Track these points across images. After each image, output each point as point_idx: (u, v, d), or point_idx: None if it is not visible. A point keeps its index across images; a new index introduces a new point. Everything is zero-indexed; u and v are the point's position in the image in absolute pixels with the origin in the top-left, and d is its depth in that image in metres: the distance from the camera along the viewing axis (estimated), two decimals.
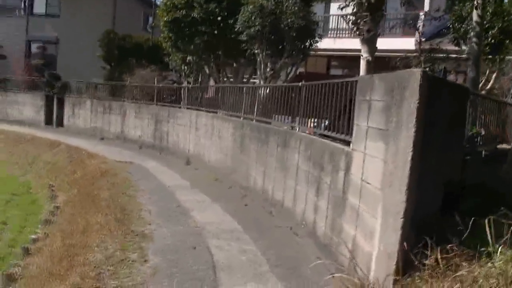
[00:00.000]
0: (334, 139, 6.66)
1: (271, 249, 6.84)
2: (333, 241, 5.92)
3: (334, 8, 24.87)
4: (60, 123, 24.98)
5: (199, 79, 18.25)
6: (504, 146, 8.71)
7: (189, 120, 15.49)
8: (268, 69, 12.72)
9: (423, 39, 23.07)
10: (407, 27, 24.07)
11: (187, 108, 16.16)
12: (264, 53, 12.50)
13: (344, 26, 24.83)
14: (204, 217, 8.62)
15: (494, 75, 12.11)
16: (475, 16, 7.49)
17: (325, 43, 17.38)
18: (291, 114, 8.87)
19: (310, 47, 13.15)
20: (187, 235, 7.43)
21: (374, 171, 4.72)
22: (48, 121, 25.40)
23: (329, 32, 24.35)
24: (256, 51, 12.64)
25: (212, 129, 13.31)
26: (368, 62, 7.77)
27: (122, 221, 8.20)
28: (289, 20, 11.94)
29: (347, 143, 6.08)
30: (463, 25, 10.21)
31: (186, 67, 17.26)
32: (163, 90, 18.96)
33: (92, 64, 26.19)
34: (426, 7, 24.01)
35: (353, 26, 7.77)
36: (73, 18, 29.33)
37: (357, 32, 7.74)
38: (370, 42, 7.82)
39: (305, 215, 7.32)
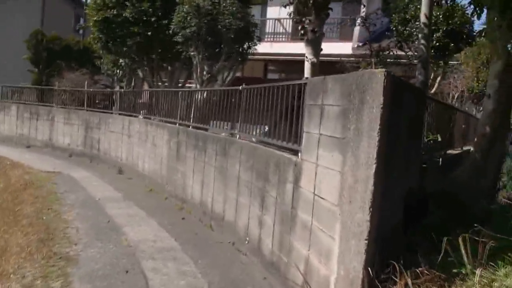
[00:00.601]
0: (279, 147, 6.10)
1: (213, 269, 6.20)
2: (282, 260, 5.35)
3: (271, 12, 24.61)
4: None
5: (132, 84, 17.35)
6: (451, 151, 8.50)
7: (122, 126, 14.59)
8: (204, 73, 12.06)
9: (359, 44, 23.20)
10: (345, 31, 24.23)
11: (119, 114, 15.23)
12: (200, 56, 11.83)
13: (281, 30, 24.67)
14: (138, 233, 7.86)
15: (438, 79, 11.98)
16: (422, 17, 7.15)
17: (262, 47, 16.95)
18: (231, 120, 8.27)
19: (249, 50, 12.58)
20: (118, 256, 6.65)
21: (329, 185, 4.19)
22: None
23: (266, 36, 24.02)
24: (192, 54, 11.96)
25: (146, 136, 12.51)
26: (313, 64, 7.29)
27: (45, 241, 7.29)
28: (226, 21, 11.32)
29: (295, 152, 5.55)
30: (406, 28, 9.96)
31: (118, 71, 16.30)
32: (93, 94, 17.88)
33: (20, 67, 24.64)
34: (362, 12, 24.10)
35: (296, 25, 7.25)
36: None
37: (301, 32, 7.25)
38: (315, 43, 7.35)
39: (249, 230, 6.72)
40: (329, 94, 4.33)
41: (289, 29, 25.26)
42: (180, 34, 11.56)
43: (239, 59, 12.55)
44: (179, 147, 10.22)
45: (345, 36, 23.98)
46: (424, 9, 7.33)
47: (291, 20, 24.92)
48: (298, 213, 4.95)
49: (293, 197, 5.13)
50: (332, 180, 4.13)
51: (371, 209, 3.53)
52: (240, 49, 12.25)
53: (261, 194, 6.28)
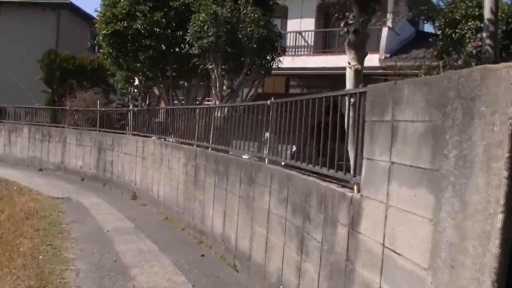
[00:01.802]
0: (321, 175, 4.83)
1: None
2: None
3: (291, 24, 23.48)
4: None
5: (147, 102, 16.26)
6: None
7: (135, 148, 13.45)
8: (224, 88, 10.85)
9: (387, 56, 21.92)
10: (369, 41, 22.95)
11: (133, 135, 14.11)
12: (219, 69, 10.64)
13: (303, 44, 23.51)
14: (149, 277, 6.62)
15: None
16: (487, 13, 5.88)
17: (284, 62, 15.86)
18: (256, 140, 7.02)
19: (272, 62, 11.34)
20: None
21: (411, 237, 2.90)
22: None
23: (287, 50, 22.95)
24: (210, 67, 10.77)
25: (161, 159, 11.32)
26: (357, 71, 6.03)
27: None
28: (248, 30, 10.12)
29: (345, 183, 4.28)
30: (456, 30, 8.67)
31: (131, 88, 15.22)
32: (106, 114, 16.81)
33: (34, 88, 23.80)
34: (389, 22, 22.87)
35: (337, 22, 6.01)
36: (13, 39, 26.81)
37: (345, 30, 6.00)
38: (358, 46, 6.10)
39: (283, 277, 5.42)
40: (406, 105, 3.06)
41: (311, 42, 24.13)
42: (196, 45, 10.38)
43: (262, 72, 11.32)
44: (197, 172, 9.00)
45: (369, 47, 22.73)
46: (488, 3, 6.06)
47: (312, 33, 23.96)
48: (356, 268, 3.66)
49: (348, 245, 3.83)
50: (416, 231, 2.84)
51: (496, 285, 2.23)
52: (263, 61, 11.01)
53: (300, 234, 4.99)
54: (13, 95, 24.13)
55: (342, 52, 23.29)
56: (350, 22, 5.79)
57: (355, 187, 3.96)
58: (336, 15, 5.97)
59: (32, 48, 25.17)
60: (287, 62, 18.54)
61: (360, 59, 6.15)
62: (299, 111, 5.40)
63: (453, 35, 8.81)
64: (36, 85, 23.60)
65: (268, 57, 11.07)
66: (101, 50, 13.51)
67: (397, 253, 3.06)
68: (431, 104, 2.78)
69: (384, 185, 3.29)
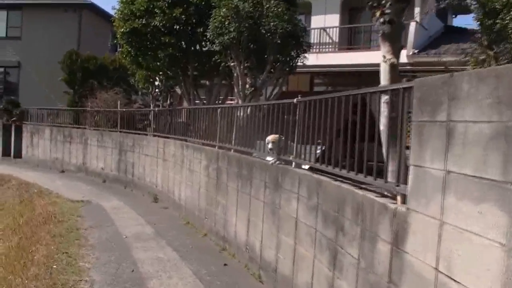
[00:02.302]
0: (356, 182, 4.32)
1: None
2: None
3: (315, 21, 22.86)
4: (18, 155, 22.48)
5: (168, 102, 15.87)
6: None
7: (156, 149, 13.07)
8: (247, 86, 10.35)
9: (415, 51, 21.19)
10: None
11: (154, 136, 13.73)
12: (241, 67, 10.14)
13: (327, 40, 22.91)
14: None
15: None
16: None
17: (308, 59, 15.33)
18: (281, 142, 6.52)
19: (297, 59, 10.78)
20: None
21: (474, 263, 2.38)
22: (6, 153, 22.87)
23: (311, 47, 22.40)
24: (232, 64, 10.27)
25: (182, 160, 10.89)
26: (392, 66, 5.47)
27: None
28: (271, 24, 9.59)
29: (387, 192, 3.77)
30: (496, 21, 8.01)
31: (152, 88, 14.83)
32: (127, 115, 16.47)
33: (57, 89, 23.72)
34: (417, 16, 22.13)
35: (371, 11, 5.46)
36: (36, 40, 26.77)
37: (381, 20, 5.46)
38: (393, 38, 5.54)
39: None
40: (466, 102, 2.53)
41: (336, 38, 23.53)
42: (217, 41, 9.90)
43: (286, 69, 10.78)
44: (219, 175, 8.53)
45: None
46: None
47: (337, 29, 23.34)
48: None
49: (390, 265, 3.31)
50: (483, 257, 2.31)
51: None
52: (287, 58, 10.47)
53: (332, 248, 4.48)
54: (36, 97, 24.19)
55: (368, 48, 22.74)
56: (387, 11, 5.23)
57: (399, 198, 3.44)
58: (370, 3, 5.39)
59: (54, 50, 25.08)
60: (311, 59, 17.98)
61: (396, 52, 5.59)
62: (330, 109, 4.89)
63: (494, 26, 8.16)
64: (59, 87, 23.50)
65: (292, 53, 10.52)
66: (120, 49, 13.10)
67: (455, 281, 2.54)
68: (501, 101, 2.25)
69: (438, 197, 2.76)
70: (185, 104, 16.24)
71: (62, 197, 13.24)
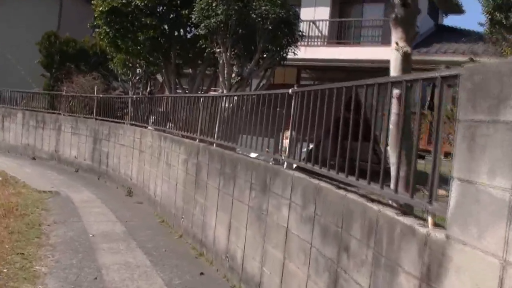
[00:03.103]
0: (361, 193, 3.54)
1: None
2: None
3: (304, 13, 22.03)
4: None
5: (148, 89, 14.95)
6: None
7: (133, 139, 12.17)
8: (233, 75, 9.50)
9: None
10: (388, 34, 21.47)
11: (131, 125, 12.81)
12: (228, 53, 9.28)
13: (316, 34, 22.15)
14: None
15: None
16: None
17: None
18: (273, 137, 5.71)
19: (289, 48, 9.94)
20: None
21: None
22: None
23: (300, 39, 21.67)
24: (217, 50, 9.41)
25: (159, 153, 10.03)
26: (405, 55, 4.70)
27: None
28: (263, 9, 8.76)
29: (407, 208, 3.00)
30: (509, 14, 7.29)
31: (132, 74, 13.87)
32: (104, 101, 15.47)
33: (34, 71, 22.64)
34: None
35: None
36: (14, 22, 25.54)
37: (395, 0, 4.67)
38: (407, 23, 4.77)
39: None
40: None
41: (325, 32, 22.81)
42: (203, 25, 9.03)
43: (277, 59, 9.94)
44: (199, 171, 7.70)
45: (388, 40, 21.33)
46: None
47: (327, 22, 22.58)
48: None
49: None
50: None
51: None
52: (278, 47, 9.63)
53: (332, 270, 3.69)
54: (13, 79, 23.06)
55: (357, 44, 22.02)
56: None
57: (430, 219, 2.65)
58: None
59: (33, 31, 23.85)
60: (299, 52, 17.34)
61: (409, 39, 4.82)
62: (335, 102, 4.09)
63: (504, 20, 7.44)
64: (36, 70, 22.44)
65: (283, 42, 9.69)
66: (97, 30, 12.10)
67: None
68: None
69: (499, 227, 1.98)
70: (166, 93, 15.36)
71: (28, 187, 12.24)
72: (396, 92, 4.79)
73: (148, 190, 10.73)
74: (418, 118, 3.41)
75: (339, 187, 3.93)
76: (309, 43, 22.24)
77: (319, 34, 22.32)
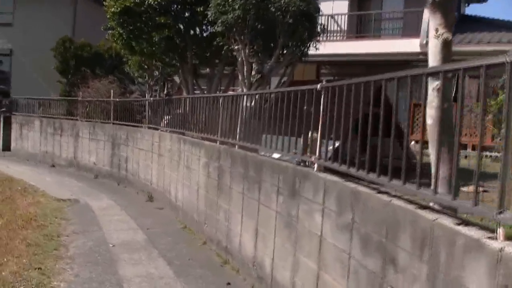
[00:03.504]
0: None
1: None
2: None
3: (323, 7, 21.63)
4: (7, 147, 21.19)
5: (166, 91, 14.64)
6: None
7: (151, 143, 11.87)
8: (253, 73, 9.10)
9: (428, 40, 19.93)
10: (409, 26, 20.98)
11: (149, 128, 12.52)
12: (247, 50, 8.88)
13: (335, 28, 21.68)
14: None
15: None
16: None
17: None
18: (300, 136, 5.30)
19: (310, 43, 9.49)
20: None
21: None
22: None
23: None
24: (236, 47, 9.02)
25: (179, 156, 9.69)
26: (445, 42, 4.27)
27: None
28: (282, 1, 8.34)
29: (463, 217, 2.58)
30: None
31: (148, 77, 13.54)
32: (121, 105, 15.20)
33: (50, 77, 22.62)
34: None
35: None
36: (28, 27, 25.47)
37: None
38: (447, 7, 4.33)
39: None
40: None
41: (344, 26, 22.33)
42: (219, 21, 8.65)
43: (298, 54, 9.51)
44: (221, 175, 7.32)
45: (409, 32, 20.79)
46: None
47: (345, 16, 22.09)
48: None
49: None
50: None
51: None
52: (299, 42, 9.20)
53: (377, 284, 3.28)
54: (29, 86, 23.02)
55: (378, 37, 21.44)
56: None
57: (501, 232, 2.23)
58: None
59: (48, 37, 23.78)
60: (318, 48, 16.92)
61: (449, 25, 4.38)
62: (363, 97, 3.69)
63: None
64: (52, 76, 22.38)
65: (304, 37, 9.27)
66: (110, 31, 11.78)
67: None
68: None
69: None
70: (184, 94, 15.04)
71: (47, 196, 11.99)
72: (436, 83, 4.37)
73: (169, 195, 10.40)
74: (460, 111, 3.01)
75: (380, 192, 3.52)
76: (328, 38, 21.77)
77: (338, 29, 21.87)
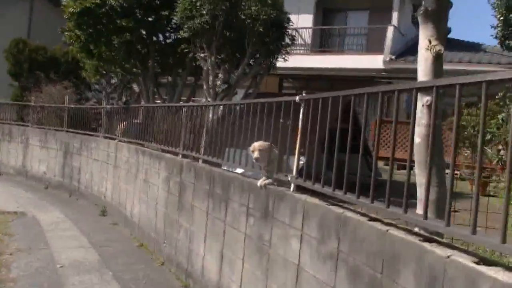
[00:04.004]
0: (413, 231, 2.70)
1: None
2: None
3: None
4: None
5: (124, 99, 13.97)
6: None
7: (107, 153, 11.17)
8: (219, 83, 8.60)
9: (392, 57, 19.96)
10: (373, 42, 20.96)
11: (105, 137, 11.82)
12: (213, 58, 8.39)
13: (299, 42, 21.47)
14: None
15: None
16: None
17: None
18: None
19: (280, 52, 9.09)
20: None
21: None
22: None
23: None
24: (201, 55, 8.51)
25: (137, 169, 9.08)
26: (438, 55, 3.89)
27: None
28: (253, 9, 7.90)
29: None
30: None
31: (104, 82, 12.85)
32: (76, 112, 14.40)
33: (3, 81, 21.44)
34: (394, 21, 20.96)
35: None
36: None
37: None
38: (439, 17, 3.95)
39: None
40: None
41: (308, 40, 22.19)
42: (186, 27, 8.12)
43: (267, 65, 9.08)
44: (183, 191, 6.77)
45: (373, 48, 20.79)
46: None
47: (310, 30, 21.93)
48: None
49: None
50: None
51: None
52: (269, 52, 8.77)
53: None
54: None
55: (342, 52, 21.32)
56: None
57: None
58: None
59: (2, 39, 22.66)
60: (280, 61, 16.60)
61: (442, 37, 4.01)
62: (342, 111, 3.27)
63: None
64: (4, 79, 21.26)
65: (273, 47, 8.84)
66: (67, 33, 11.02)
67: None
68: None
69: None
70: (143, 103, 14.38)
71: None
72: (427, 99, 4.03)
73: (124, 210, 9.74)
74: (456, 129, 2.65)
75: (373, 219, 3.08)
76: (292, 51, 21.51)
77: (302, 42, 21.71)
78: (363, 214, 3.23)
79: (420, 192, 4.22)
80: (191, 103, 8.46)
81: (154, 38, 10.53)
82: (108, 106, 12.90)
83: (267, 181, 4.45)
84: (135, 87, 14.68)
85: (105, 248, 8.09)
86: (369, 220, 3.07)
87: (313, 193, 3.89)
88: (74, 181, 13.21)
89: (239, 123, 5.58)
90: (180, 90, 11.60)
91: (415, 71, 10.47)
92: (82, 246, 8.26)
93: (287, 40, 9.25)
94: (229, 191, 5.32)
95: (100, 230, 9.50)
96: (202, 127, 6.84)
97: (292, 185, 4.17)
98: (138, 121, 10.56)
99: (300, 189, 4.13)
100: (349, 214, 3.28)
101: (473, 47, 20.58)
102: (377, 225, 2.95)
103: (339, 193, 3.47)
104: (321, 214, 3.56)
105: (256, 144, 4.58)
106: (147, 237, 8.26)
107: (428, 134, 3.92)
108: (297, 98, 4.21)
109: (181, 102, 11.81)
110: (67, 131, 14.17)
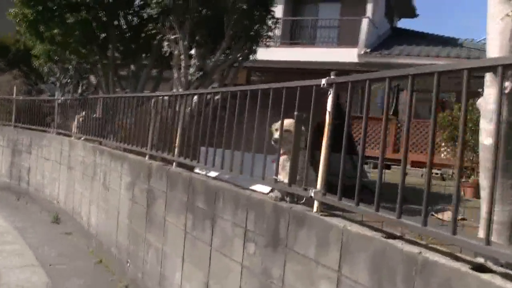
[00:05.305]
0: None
1: None
2: None
3: None
4: None
5: (80, 90, 12.51)
6: None
7: (60, 152, 9.73)
8: (192, 70, 7.30)
9: (367, 50, 19.04)
10: (346, 35, 20.04)
11: (58, 134, 10.36)
12: (186, 41, 7.09)
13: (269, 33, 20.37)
14: None
15: None
16: None
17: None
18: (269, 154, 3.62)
19: (264, 35, 7.88)
20: None
21: None
22: None
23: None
24: (172, 37, 7.19)
25: (94, 171, 7.71)
26: None
27: None
28: None
29: None
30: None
31: (58, 71, 11.35)
32: (26, 105, 12.80)
33: None
34: (369, 13, 20.07)
35: None
36: None
37: None
38: None
39: None
40: None
41: (277, 32, 21.05)
42: (154, 2, 6.80)
43: (253, 47, 7.83)
44: (152, 201, 5.47)
45: (346, 41, 19.86)
46: None
47: (280, 22, 20.82)
48: None
49: None
50: None
51: None
52: (251, 34, 7.54)
53: None
54: None
55: (312, 44, 20.27)
56: None
57: None
58: None
59: None
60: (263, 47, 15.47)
61: None
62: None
63: None
64: None
65: (256, 29, 7.62)
66: (11, 10, 9.39)
67: None
68: None
69: None
70: (101, 94, 12.92)
71: None
72: (507, 84, 2.93)
73: (79, 218, 8.35)
74: None
75: (457, 258, 1.92)
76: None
77: (272, 34, 20.57)
78: (444, 253, 2.06)
79: (483, 208, 3.12)
80: (162, 92, 7.14)
81: (116, 22, 9.14)
82: (62, 98, 11.40)
83: (278, 196, 3.23)
84: (93, 79, 13.23)
85: (56, 267, 6.74)
86: (471, 269, 1.89)
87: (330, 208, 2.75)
88: (23, 183, 11.70)
89: (229, 117, 4.33)
90: (144, 79, 10.21)
91: (391, 65, 9.53)
92: (27, 264, 6.85)
93: (270, 24, 8.01)
94: (216, 206, 4.07)
95: (51, 242, 8.08)
96: (176, 122, 5.55)
97: (316, 204, 2.96)
98: (97, 115, 9.14)
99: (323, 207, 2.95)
100: (429, 255, 2.09)
101: (450, 42, 20.20)
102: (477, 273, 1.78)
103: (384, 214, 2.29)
104: (376, 251, 2.37)
105: (287, 122, 3.38)
106: (107, 252, 6.92)
107: (507, 133, 2.85)
108: (323, 81, 3.00)
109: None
110: (15, 126, 12.63)
